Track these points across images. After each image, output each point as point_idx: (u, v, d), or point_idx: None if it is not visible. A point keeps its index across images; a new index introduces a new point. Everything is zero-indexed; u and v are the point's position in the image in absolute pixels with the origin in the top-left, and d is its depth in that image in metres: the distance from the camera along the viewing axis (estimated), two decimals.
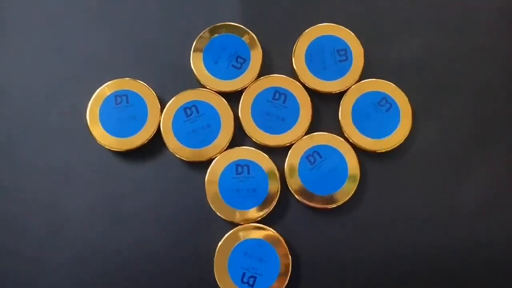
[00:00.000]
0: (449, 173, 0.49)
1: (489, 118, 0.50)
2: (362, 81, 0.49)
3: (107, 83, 0.49)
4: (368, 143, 0.48)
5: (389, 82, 0.49)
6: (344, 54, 0.49)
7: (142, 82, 0.49)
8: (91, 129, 0.48)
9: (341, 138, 0.48)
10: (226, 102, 0.49)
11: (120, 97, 0.49)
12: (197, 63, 0.49)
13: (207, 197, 0.47)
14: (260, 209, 0.47)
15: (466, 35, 0.52)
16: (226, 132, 0.48)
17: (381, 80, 0.49)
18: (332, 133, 0.48)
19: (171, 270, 0.47)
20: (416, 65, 0.51)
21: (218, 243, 0.46)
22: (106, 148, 0.48)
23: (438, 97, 0.51)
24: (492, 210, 0.49)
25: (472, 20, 0.52)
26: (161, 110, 0.48)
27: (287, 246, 0.46)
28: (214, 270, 0.46)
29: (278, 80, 0.49)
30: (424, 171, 0.49)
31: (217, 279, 0.46)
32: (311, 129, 0.48)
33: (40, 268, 0.48)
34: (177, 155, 0.48)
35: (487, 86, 0.51)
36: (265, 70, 0.50)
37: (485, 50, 0.52)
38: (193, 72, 0.49)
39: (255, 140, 0.48)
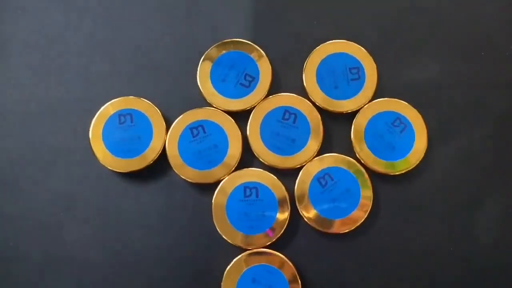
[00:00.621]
0: (465, 200, 0.48)
1: (508, 145, 0.48)
2: (375, 100, 0.48)
3: (110, 102, 0.47)
4: (381, 165, 0.46)
5: (403, 102, 0.48)
6: (356, 72, 0.48)
7: (146, 101, 0.48)
8: (94, 149, 0.47)
9: (353, 160, 0.47)
10: (234, 122, 0.47)
11: (124, 116, 0.47)
12: (204, 81, 0.48)
13: (214, 221, 0.45)
14: (269, 234, 0.45)
15: (486, 61, 0.50)
16: (234, 153, 0.46)
17: (395, 99, 0.48)
18: (344, 155, 0.47)
19: None
20: (433, 88, 0.49)
21: (225, 269, 0.45)
22: (110, 170, 0.47)
23: (454, 121, 0.49)
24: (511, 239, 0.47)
25: (493, 46, 0.50)
26: (167, 130, 0.47)
27: (297, 272, 0.45)
28: None
29: (288, 99, 0.48)
30: (439, 197, 0.48)
31: None
32: (322, 151, 0.47)
33: None
34: (182, 177, 0.46)
35: (506, 113, 0.49)
36: (274, 89, 0.49)
37: (505, 77, 0.50)
38: (200, 90, 0.48)
39: (264, 162, 0.47)
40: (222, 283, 0.44)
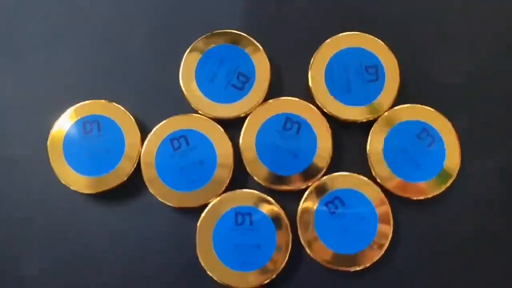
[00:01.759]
0: (508, 230, 0.41)
1: None
2: (396, 107, 0.41)
3: (73, 106, 0.41)
4: (404, 187, 0.40)
5: (431, 109, 0.41)
6: (374, 72, 0.41)
7: (117, 105, 0.41)
8: (53, 166, 0.40)
9: (369, 181, 0.40)
10: (223, 132, 0.41)
11: (90, 123, 0.41)
12: (187, 82, 0.41)
13: (198, 253, 0.39)
14: (265, 271, 0.38)
15: None
16: (223, 171, 0.40)
17: (421, 105, 0.41)
18: (358, 174, 0.40)
19: None
20: (465, 92, 0.43)
21: None
22: (73, 190, 0.40)
23: (492, 132, 0.42)
24: None
25: None
26: (142, 141, 0.41)
27: None
28: None
29: (290, 104, 0.41)
30: (475, 226, 0.41)
31: None
32: (331, 169, 0.40)
33: None
34: (161, 200, 0.39)
35: None
36: (273, 92, 0.42)
37: None
38: (183, 92, 0.41)
39: (260, 182, 0.40)
40: None
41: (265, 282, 0.38)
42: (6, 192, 0.41)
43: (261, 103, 0.41)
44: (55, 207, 0.41)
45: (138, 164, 0.40)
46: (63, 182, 0.39)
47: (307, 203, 0.39)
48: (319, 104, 0.41)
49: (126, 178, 0.39)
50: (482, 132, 0.42)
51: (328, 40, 0.42)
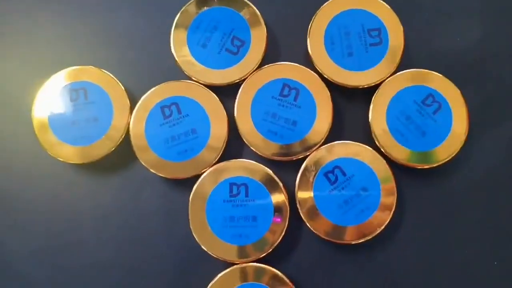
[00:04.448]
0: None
1: None
2: (401, 72, 0.39)
3: (58, 72, 0.39)
4: (409, 156, 0.37)
5: (437, 74, 0.38)
6: (377, 35, 0.39)
7: (105, 72, 0.39)
8: (38, 135, 0.38)
9: (371, 149, 0.37)
10: (217, 99, 0.39)
11: (76, 91, 0.38)
12: (179, 47, 0.39)
13: (191, 227, 0.36)
14: (262, 244, 0.36)
15: None
16: (217, 140, 0.37)
17: (427, 70, 0.38)
18: (360, 143, 0.38)
19: None
20: (473, 59, 0.41)
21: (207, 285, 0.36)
22: (60, 161, 0.37)
23: (502, 101, 0.40)
24: None
25: None
26: (131, 109, 0.38)
27: None
28: None
29: (287, 69, 0.39)
30: (482, 198, 0.38)
31: None
32: (331, 137, 0.38)
33: None
34: (152, 170, 0.37)
35: None
36: (270, 56, 0.40)
37: None
38: (174, 58, 0.39)
39: (255, 151, 0.38)
40: None
41: (262, 255, 0.36)
42: None
43: (257, 68, 0.39)
44: (42, 179, 0.39)
45: (127, 133, 0.38)
46: (49, 153, 0.37)
47: (306, 174, 0.37)
48: (319, 70, 0.38)
49: (114, 148, 0.37)
50: (490, 101, 0.40)
51: (328, 1, 0.39)
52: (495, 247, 0.38)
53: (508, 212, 0.38)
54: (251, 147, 0.38)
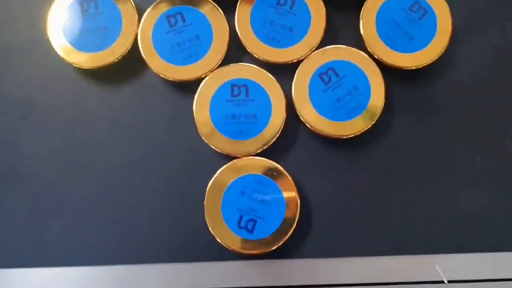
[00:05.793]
0: (496, 106, 0.40)
1: None
2: None
3: None
4: (396, 58, 0.39)
5: None
6: None
7: None
8: (52, 43, 0.40)
9: (362, 52, 0.39)
10: (218, 8, 0.40)
11: (87, 2, 0.40)
12: None
13: (196, 124, 0.39)
14: (261, 139, 0.38)
15: None
16: (219, 45, 0.39)
17: None
18: (351, 46, 0.40)
19: (156, 218, 0.39)
20: None
21: (209, 181, 0.38)
22: (73, 67, 0.40)
23: (486, 9, 0.41)
24: None
25: None
26: (139, 19, 0.40)
27: (294, 183, 0.38)
28: (205, 213, 0.37)
29: None
30: (464, 100, 0.40)
31: (208, 225, 0.37)
32: (325, 42, 0.40)
33: None
34: (159, 74, 0.39)
35: None
36: None
37: None
38: None
39: (255, 55, 0.40)
40: (205, 199, 0.38)
41: (261, 150, 0.38)
42: (8, 72, 0.41)
43: None
44: (54, 85, 0.41)
45: (135, 40, 0.39)
46: (63, 58, 0.39)
47: (302, 75, 0.39)
48: None
49: (123, 54, 0.39)
50: (476, 7, 0.41)
51: None
52: (475, 145, 0.40)
53: (487, 114, 0.40)
54: (251, 52, 0.39)
